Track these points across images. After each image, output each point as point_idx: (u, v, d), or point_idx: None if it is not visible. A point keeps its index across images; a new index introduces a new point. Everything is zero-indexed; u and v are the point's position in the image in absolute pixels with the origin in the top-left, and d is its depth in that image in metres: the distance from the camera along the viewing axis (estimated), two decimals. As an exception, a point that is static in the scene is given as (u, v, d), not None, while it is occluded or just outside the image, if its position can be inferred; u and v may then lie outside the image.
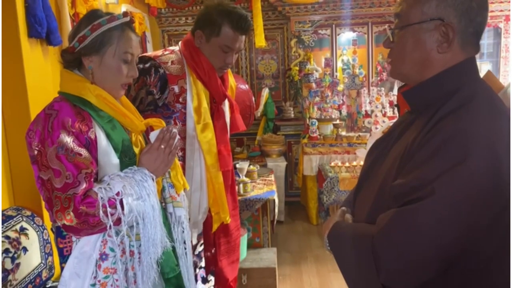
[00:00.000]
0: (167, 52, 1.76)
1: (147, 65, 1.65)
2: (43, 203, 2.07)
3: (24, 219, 1.99)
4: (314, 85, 4.56)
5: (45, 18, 2.12)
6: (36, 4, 2.05)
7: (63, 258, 1.24)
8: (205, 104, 1.74)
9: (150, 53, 1.77)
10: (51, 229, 1.29)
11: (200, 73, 1.73)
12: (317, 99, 4.49)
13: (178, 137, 1.33)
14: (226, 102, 1.91)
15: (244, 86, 3.61)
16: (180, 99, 1.71)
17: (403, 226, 0.88)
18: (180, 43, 1.82)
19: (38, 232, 2.03)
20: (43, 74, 2.22)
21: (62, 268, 1.24)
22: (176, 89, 1.70)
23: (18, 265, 1.84)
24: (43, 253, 2.04)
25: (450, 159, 0.85)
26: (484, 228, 0.86)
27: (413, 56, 0.97)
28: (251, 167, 3.65)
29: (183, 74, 1.72)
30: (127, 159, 1.24)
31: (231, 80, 1.96)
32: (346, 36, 4.97)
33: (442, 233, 0.85)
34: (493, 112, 0.91)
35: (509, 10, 4.58)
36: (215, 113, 1.80)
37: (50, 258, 2.09)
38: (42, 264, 2.02)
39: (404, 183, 0.90)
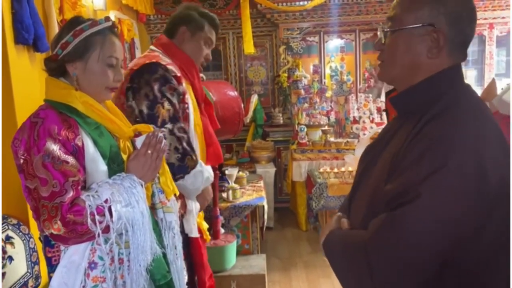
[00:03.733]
0: (157, 57, 1.76)
1: (161, 73, 1.64)
2: (29, 211, 2.05)
3: (10, 227, 1.96)
4: (302, 91, 4.59)
5: (32, 25, 2.11)
6: (23, 10, 2.03)
7: (52, 267, 1.22)
8: (195, 104, 1.81)
9: (148, 61, 1.73)
10: (39, 238, 1.27)
11: (190, 76, 1.80)
12: (306, 105, 4.52)
13: (164, 141, 1.33)
14: None
15: (233, 93, 3.63)
16: (186, 99, 1.73)
17: (392, 230, 0.90)
18: (157, 48, 1.81)
19: (24, 241, 2.00)
20: (30, 81, 2.20)
21: (50, 278, 1.22)
22: (183, 88, 1.75)
23: (3, 274, 1.81)
24: (30, 262, 2.01)
25: (434, 162, 0.87)
26: (472, 229, 0.88)
27: (404, 59, 0.99)
28: (240, 173, 3.64)
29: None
30: (115, 165, 1.23)
31: None
32: (334, 43, 5.03)
33: (430, 235, 0.87)
34: (478, 117, 0.93)
35: (494, 18, 4.68)
36: (201, 112, 1.87)
37: (36, 267, 2.05)
38: (28, 273, 1.99)
39: (393, 188, 0.92)
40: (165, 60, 1.73)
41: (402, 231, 0.88)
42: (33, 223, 2.07)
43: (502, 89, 2.25)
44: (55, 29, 2.47)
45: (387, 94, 1.11)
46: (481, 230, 0.89)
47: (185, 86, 1.74)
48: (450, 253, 0.89)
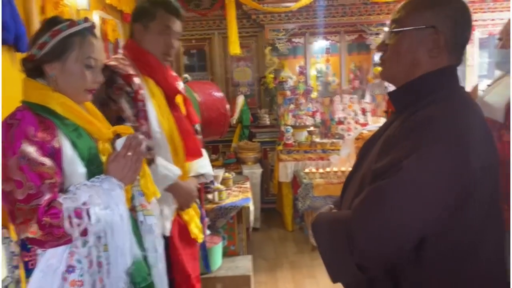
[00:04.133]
0: (112, 59, 1.76)
1: (107, 74, 1.62)
2: (9, 214, 2.02)
3: (-11, 231, 1.91)
4: (288, 92, 4.60)
5: (13, 24, 2.07)
6: (3, 9, 2.00)
7: (28, 272, 1.20)
8: (162, 99, 1.76)
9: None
10: (17, 242, 1.25)
11: (148, 70, 1.75)
12: (292, 106, 4.53)
13: (145, 143, 1.31)
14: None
15: (219, 94, 3.62)
16: (139, 96, 1.71)
17: (372, 202, 0.94)
18: (120, 51, 1.84)
19: (5, 245, 1.96)
20: (10, 81, 2.15)
21: (28, 283, 1.20)
22: (135, 86, 1.71)
23: (-18, 279, 1.77)
24: (10, 267, 1.97)
25: (420, 141, 0.93)
26: (452, 209, 0.92)
27: (406, 58, 1.06)
28: (227, 174, 3.64)
29: (136, 74, 1.74)
30: (94, 167, 1.21)
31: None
32: (319, 44, 5.05)
33: (408, 210, 0.91)
34: (467, 108, 1.01)
35: (475, 21, 4.75)
36: (171, 107, 1.82)
37: (17, 272, 2.01)
38: (8, 278, 1.95)
39: (379, 166, 0.98)
40: (118, 61, 1.73)
41: (383, 202, 0.92)
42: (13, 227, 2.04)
43: (483, 91, 2.28)
44: (37, 28, 2.43)
45: (388, 94, 1.16)
46: (460, 208, 0.93)
47: (141, 82, 1.72)
48: (430, 228, 0.93)
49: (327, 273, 1.09)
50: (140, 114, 1.70)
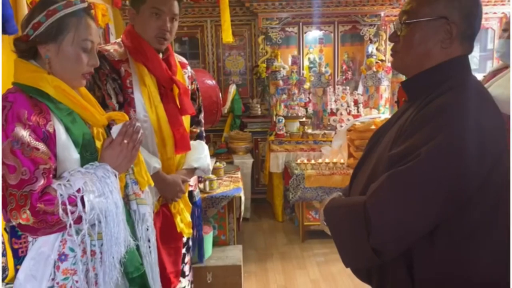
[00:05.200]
0: (109, 45, 1.74)
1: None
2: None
3: (-25, 218, 1.87)
4: (281, 82, 4.57)
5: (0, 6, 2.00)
6: (-11, -9, 1.92)
7: (18, 259, 1.16)
8: (153, 88, 1.72)
9: None
10: (5, 229, 1.21)
11: (142, 58, 1.70)
12: (284, 96, 4.50)
13: (141, 131, 1.28)
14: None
15: (211, 82, 3.58)
16: (127, 83, 1.67)
17: (390, 186, 0.96)
18: (122, 35, 1.80)
19: (-10, 232, 1.92)
20: (-4, 64, 2.09)
21: (17, 270, 1.17)
22: (122, 72, 1.68)
23: (-33, 267, 1.73)
24: (-4, 254, 1.93)
25: (437, 128, 0.95)
26: (470, 194, 0.95)
27: (418, 48, 1.08)
28: (218, 164, 3.61)
29: (126, 59, 1.70)
30: (88, 154, 1.18)
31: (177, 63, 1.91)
32: (313, 34, 5.02)
33: (426, 194, 0.93)
34: (480, 95, 1.04)
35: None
36: (164, 97, 1.76)
37: (3, 259, 1.97)
38: (-5, 266, 1.91)
39: (395, 153, 1.00)
40: (109, 46, 1.71)
41: (401, 188, 0.95)
42: None
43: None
44: (25, 10, 2.35)
45: (401, 82, 1.17)
46: (476, 192, 0.95)
47: (131, 69, 1.68)
48: (447, 214, 0.96)
49: (340, 258, 1.10)
50: (127, 101, 1.66)
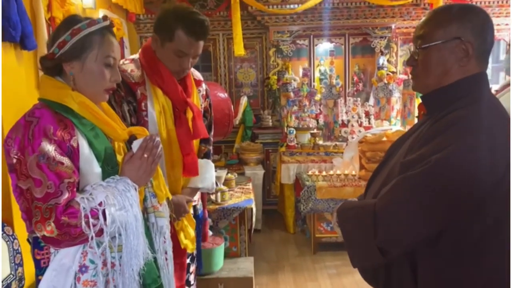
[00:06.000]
0: (127, 61, 1.74)
1: None
2: (14, 212, 2.00)
3: (-6, 228, 1.91)
4: (292, 94, 4.60)
5: (20, 22, 2.06)
6: (10, 7, 1.99)
7: (40, 270, 1.19)
8: (167, 111, 1.73)
9: None
10: (27, 240, 1.24)
11: (158, 80, 1.70)
12: (295, 108, 4.53)
13: (161, 146, 1.30)
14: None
15: (223, 95, 3.62)
16: (142, 106, 1.69)
17: (399, 189, 1.01)
18: (139, 50, 1.80)
19: (8, 242, 1.96)
20: (16, 79, 2.15)
21: (38, 281, 1.19)
22: (138, 95, 1.69)
23: (-13, 276, 1.77)
24: (13, 264, 1.96)
25: (449, 139, 0.98)
26: (476, 202, 0.97)
27: (437, 70, 1.12)
28: (229, 175, 3.63)
29: (143, 81, 1.71)
30: (109, 168, 1.21)
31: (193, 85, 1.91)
32: (323, 46, 5.06)
33: (432, 198, 0.97)
34: (494, 110, 1.07)
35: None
36: (177, 120, 1.76)
37: (20, 269, 2.01)
38: (11, 275, 1.94)
39: (408, 160, 1.04)
40: (127, 66, 1.70)
41: (409, 191, 0.99)
42: (17, 224, 2.02)
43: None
44: (43, 27, 2.43)
45: (421, 97, 1.23)
46: (483, 202, 0.98)
47: (147, 90, 1.69)
48: (449, 220, 0.99)
49: (348, 258, 1.15)
50: (140, 123, 1.68)
